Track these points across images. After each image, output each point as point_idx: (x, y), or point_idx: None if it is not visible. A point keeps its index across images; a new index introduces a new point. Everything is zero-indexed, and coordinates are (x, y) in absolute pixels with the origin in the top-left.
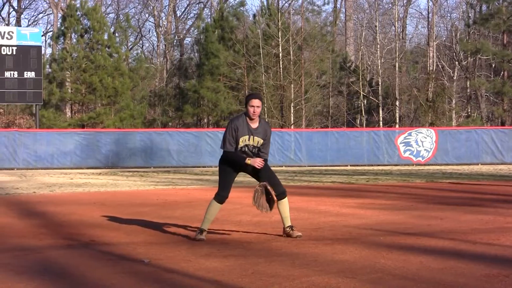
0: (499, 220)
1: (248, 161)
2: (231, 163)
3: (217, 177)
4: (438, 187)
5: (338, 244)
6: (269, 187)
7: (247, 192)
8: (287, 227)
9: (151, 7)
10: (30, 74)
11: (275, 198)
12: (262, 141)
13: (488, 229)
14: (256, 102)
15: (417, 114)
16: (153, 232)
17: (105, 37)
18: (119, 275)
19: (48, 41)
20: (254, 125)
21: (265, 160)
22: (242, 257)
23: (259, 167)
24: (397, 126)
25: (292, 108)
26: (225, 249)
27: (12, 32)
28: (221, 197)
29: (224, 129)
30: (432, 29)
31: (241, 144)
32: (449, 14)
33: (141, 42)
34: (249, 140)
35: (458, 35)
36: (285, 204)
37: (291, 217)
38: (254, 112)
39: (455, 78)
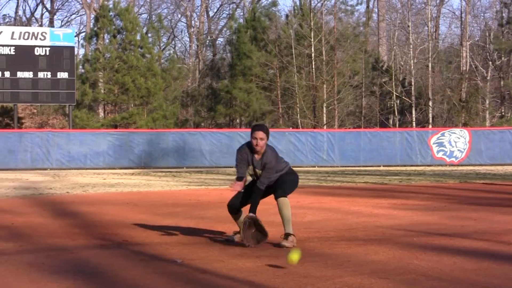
0: None
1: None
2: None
3: (249, 178)
4: (471, 188)
5: (371, 244)
6: (259, 221)
7: None
8: (284, 234)
9: (184, 8)
10: (63, 75)
11: (266, 231)
12: (261, 172)
13: None
14: (259, 134)
15: (450, 115)
16: (186, 232)
17: (138, 37)
18: (151, 275)
19: (81, 41)
20: (257, 156)
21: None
22: (274, 258)
23: (232, 190)
24: (430, 126)
25: (324, 108)
26: (258, 249)
27: (45, 33)
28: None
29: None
30: (465, 29)
31: (250, 172)
32: (482, 14)
33: (173, 42)
34: (252, 171)
35: (491, 35)
36: (282, 204)
37: (325, 217)
38: (256, 144)
39: (488, 78)
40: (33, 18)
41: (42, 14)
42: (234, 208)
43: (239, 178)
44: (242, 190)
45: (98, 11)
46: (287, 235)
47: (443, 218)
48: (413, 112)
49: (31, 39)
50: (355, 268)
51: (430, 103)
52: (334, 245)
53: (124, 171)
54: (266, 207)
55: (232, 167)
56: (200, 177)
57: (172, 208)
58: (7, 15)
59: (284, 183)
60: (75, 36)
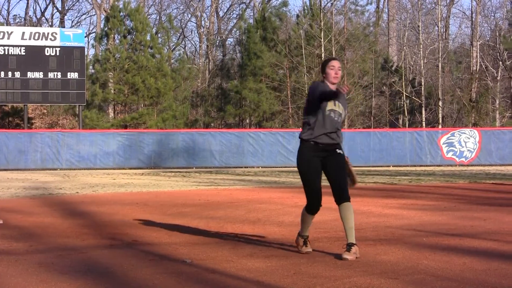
0: None
1: (336, 90)
2: (305, 150)
3: (260, 178)
4: (481, 188)
5: (381, 244)
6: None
7: (289, 193)
8: (348, 244)
9: (194, 8)
10: (73, 75)
11: (355, 178)
12: (343, 112)
13: None
14: (336, 63)
15: (460, 115)
16: (195, 232)
17: (148, 37)
18: (161, 275)
19: (91, 42)
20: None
21: (343, 158)
22: (284, 258)
23: (345, 92)
24: (440, 126)
25: None
26: (267, 249)
27: (56, 33)
28: (312, 208)
29: (266, 129)
30: (475, 29)
31: (328, 108)
32: (493, 14)
33: (183, 42)
34: (335, 105)
35: (501, 34)
36: (346, 209)
37: (334, 217)
38: (336, 74)
39: (498, 78)
40: (43, 18)
41: (52, 15)
42: (319, 203)
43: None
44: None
45: (108, 11)
46: (350, 246)
47: (453, 218)
48: (423, 112)
49: (41, 39)
50: (364, 268)
51: (440, 103)
52: (343, 246)
53: (134, 171)
54: (276, 207)
55: (241, 168)
56: (209, 177)
57: (182, 208)
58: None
59: (344, 177)
60: (85, 37)
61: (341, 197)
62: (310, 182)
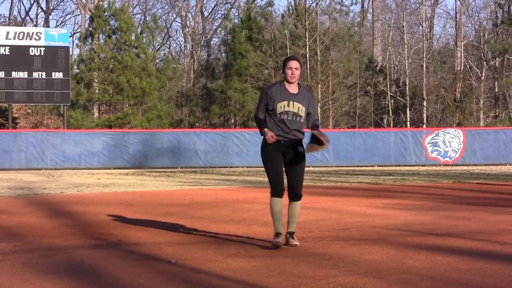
0: None
1: (266, 129)
2: (268, 146)
3: (245, 177)
4: (465, 188)
5: (365, 244)
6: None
7: None
8: (288, 232)
9: (179, 8)
10: (58, 75)
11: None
12: (304, 108)
13: None
14: (294, 63)
15: (444, 114)
16: (180, 232)
17: (133, 37)
18: (146, 275)
19: (76, 41)
20: (293, 90)
21: (303, 156)
22: (269, 258)
23: (268, 141)
24: (424, 126)
25: (319, 108)
26: (252, 249)
27: (40, 33)
28: (276, 190)
29: (251, 129)
30: (459, 29)
31: (279, 110)
32: (477, 14)
33: (168, 42)
34: (288, 106)
35: (486, 35)
36: (295, 207)
37: (319, 217)
38: (292, 74)
39: (483, 78)
40: (27, 18)
41: (37, 14)
42: (281, 185)
43: (283, 125)
44: (277, 161)
45: (93, 11)
46: (293, 234)
47: (437, 218)
48: (408, 112)
49: (26, 39)
50: (349, 268)
51: (425, 103)
52: (328, 245)
53: (119, 171)
54: (261, 207)
55: (226, 167)
56: (194, 177)
57: (167, 208)
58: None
59: (301, 178)
60: (70, 36)
61: (293, 197)
62: (271, 163)
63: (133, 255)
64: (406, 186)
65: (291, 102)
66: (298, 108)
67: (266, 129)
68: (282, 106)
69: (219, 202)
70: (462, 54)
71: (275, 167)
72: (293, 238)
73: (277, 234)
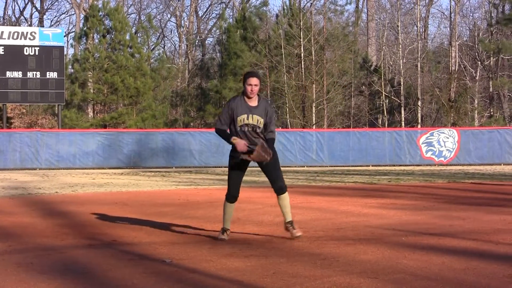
0: None
1: (234, 140)
2: (235, 158)
3: None
4: (460, 188)
5: (360, 244)
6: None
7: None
8: (287, 222)
9: (173, 7)
10: (52, 75)
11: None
12: (262, 120)
13: (511, 229)
14: (253, 80)
15: (439, 114)
16: (175, 232)
17: (127, 37)
18: (140, 275)
19: (70, 41)
20: (253, 103)
21: (274, 152)
22: (263, 257)
23: (240, 150)
24: (419, 126)
25: (314, 108)
26: (247, 249)
27: (35, 33)
28: (230, 197)
29: None
30: (454, 29)
31: (239, 123)
32: (471, 14)
33: (163, 42)
34: (248, 119)
35: (480, 34)
36: (284, 198)
37: (314, 217)
38: (252, 90)
39: (477, 78)
40: (22, 17)
41: (31, 14)
42: (236, 193)
43: (246, 137)
44: (239, 170)
45: (87, 11)
46: (292, 222)
47: (432, 218)
48: (402, 112)
49: (20, 38)
50: (344, 268)
51: (419, 103)
52: (323, 245)
53: (113, 171)
54: (255, 206)
55: (221, 167)
56: (189, 177)
57: (161, 208)
58: None
59: (278, 172)
60: (65, 36)
61: (278, 190)
62: (234, 173)
63: (128, 255)
64: (400, 186)
65: (250, 115)
66: (257, 120)
67: (234, 138)
68: (242, 120)
69: (213, 202)
70: (457, 54)
71: (235, 177)
72: (294, 228)
73: (224, 230)
